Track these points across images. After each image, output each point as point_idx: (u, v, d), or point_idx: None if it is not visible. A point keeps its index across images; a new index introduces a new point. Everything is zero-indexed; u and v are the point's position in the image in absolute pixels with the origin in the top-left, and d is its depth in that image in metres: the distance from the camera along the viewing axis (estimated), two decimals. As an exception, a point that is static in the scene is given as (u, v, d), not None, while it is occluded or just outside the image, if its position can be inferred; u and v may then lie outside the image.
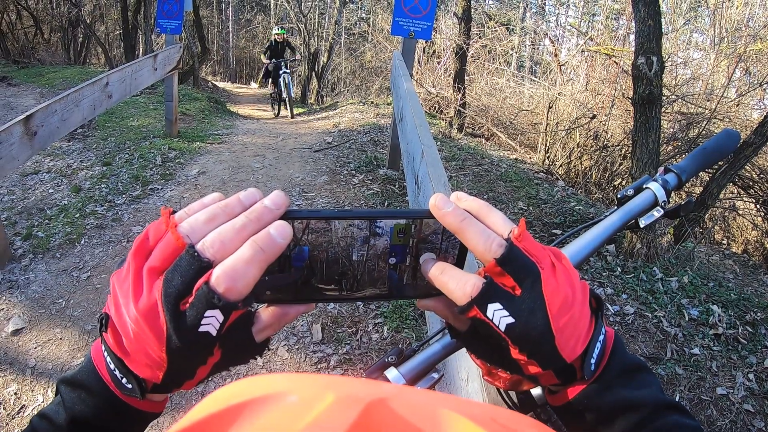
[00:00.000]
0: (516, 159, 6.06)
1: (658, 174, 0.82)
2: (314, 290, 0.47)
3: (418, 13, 4.41)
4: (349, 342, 2.90)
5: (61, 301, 3.25)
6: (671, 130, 5.56)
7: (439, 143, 5.87)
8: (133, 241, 0.42)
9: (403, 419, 0.31)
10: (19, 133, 3.30)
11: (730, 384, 2.71)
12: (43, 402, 2.47)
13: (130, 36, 11.22)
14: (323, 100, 14.12)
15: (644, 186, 0.81)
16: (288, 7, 16.54)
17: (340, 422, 0.29)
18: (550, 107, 6.35)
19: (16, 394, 2.54)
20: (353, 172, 4.87)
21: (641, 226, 0.79)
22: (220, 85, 16.56)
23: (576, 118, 6.28)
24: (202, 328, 0.39)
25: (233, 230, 0.40)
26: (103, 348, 0.45)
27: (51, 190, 4.76)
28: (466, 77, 7.85)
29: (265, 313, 0.46)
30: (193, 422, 0.32)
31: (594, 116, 5.91)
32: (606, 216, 0.80)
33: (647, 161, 3.47)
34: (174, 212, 0.43)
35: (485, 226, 0.45)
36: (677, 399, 2.59)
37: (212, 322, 0.39)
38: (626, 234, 3.67)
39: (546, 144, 6.26)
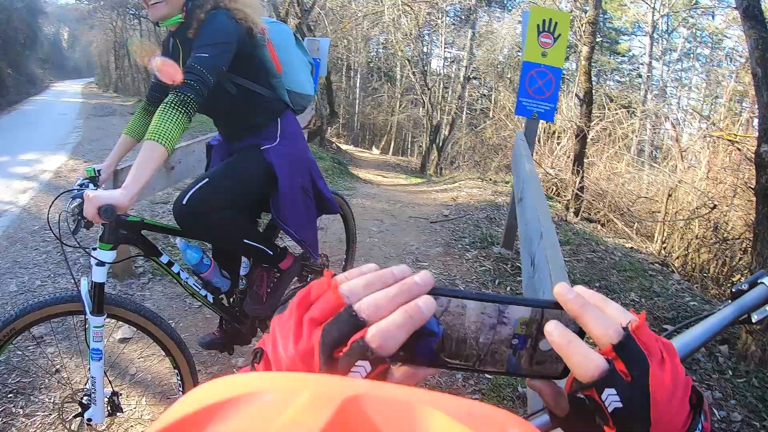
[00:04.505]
0: (631, 248, 5.81)
1: None
2: (442, 359, 0.51)
3: (542, 94, 4.42)
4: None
5: (171, 322, 3.43)
6: None
7: (554, 226, 5.78)
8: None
9: (380, 414, 0.32)
10: (163, 170, 3.63)
11: None
12: (135, 408, 2.60)
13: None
14: (442, 172, 14.35)
15: (759, 281, 0.79)
16: (413, 80, 17.19)
17: (315, 420, 0.30)
18: (669, 195, 6.08)
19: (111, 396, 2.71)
20: (467, 247, 4.88)
21: (753, 321, 0.77)
22: (344, 147, 17.29)
23: (696, 208, 5.97)
24: (351, 374, 0.44)
25: (387, 298, 0.46)
26: None
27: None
28: (585, 160, 7.74)
29: (398, 370, 0.51)
30: (168, 424, 0.33)
31: (715, 206, 5.60)
32: (718, 310, 0.79)
33: None
34: (335, 274, 0.50)
35: (605, 314, 0.49)
36: None
37: (360, 370, 0.44)
38: (741, 335, 3.39)
39: (663, 234, 5.97)
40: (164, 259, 2.12)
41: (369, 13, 14.39)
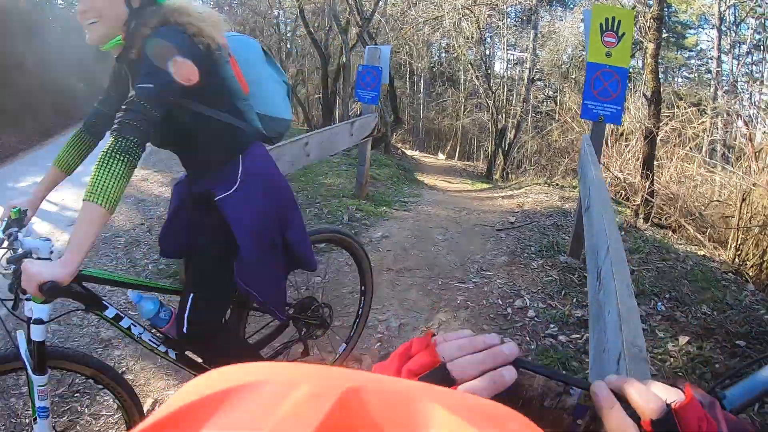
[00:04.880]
0: (704, 256, 5.54)
1: None
2: None
3: (608, 96, 4.27)
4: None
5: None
6: None
7: (623, 233, 5.59)
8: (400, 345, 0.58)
9: (379, 407, 0.32)
10: None
11: None
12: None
13: (329, 100, 12.24)
14: (508, 176, 14.18)
15: None
16: (477, 83, 17.05)
17: (315, 412, 0.30)
18: (743, 200, 5.77)
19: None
20: (533, 255, 4.80)
21: None
22: (409, 152, 17.34)
23: None
24: None
25: (476, 362, 0.54)
26: None
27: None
28: (655, 162, 7.45)
29: None
30: (168, 413, 0.33)
31: None
32: None
33: None
34: (434, 335, 0.59)
35: (650, 390, 0.53)
36: None
37: None
38: None
39: (737, 240, 5.65)
40: (110, 313, 1.86)
41: (429, 19, 14.35)
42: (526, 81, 15.58)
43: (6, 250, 1.68)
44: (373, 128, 6.19)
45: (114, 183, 1.50)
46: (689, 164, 8.49)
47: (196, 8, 1.82)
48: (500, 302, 3.92)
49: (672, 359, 3.32)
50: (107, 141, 1.58)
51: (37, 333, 1.62)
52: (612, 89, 4.24)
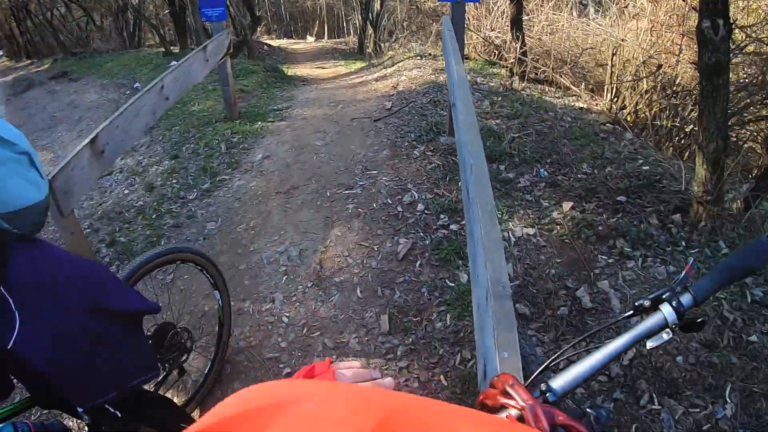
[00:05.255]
0: (581, 108, 5.80)
1: (676, 283, 0.83)
2: None
3: None
4: (414, 332, 2.99)
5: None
6: (744, 76, 5.13)
7: (500, 98, 5.74)
8: (307, 370, 0.68)
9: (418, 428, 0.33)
10: (87, 155, 3.46)
11: None
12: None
13: (179, 16, 11.35)
14: (380, 48, 13.93)
15: (659, 305, 0.81)
16: None
17: (357, 428, 0.32)
18: (614, 54, 5.99)
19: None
20: (414, 143, 4.87)
21: (647, 347, 0.80)
22: (276, 43, 16.58)
23: (642, 61, 5.90)
24: None
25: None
26: None
27: (126, 191, 5.05)
28: (525, 17, 7.52)
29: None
30: (208, 425, 0.35)
31: (660, 66, 5.55)
32: (608, 342, 0.82)
33: (714, 131, 3.23)
34: (332, 362, 0.69)
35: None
36: (728, 391, 2.54)
37: None
38: (692, 203, 3.49)
39: (612, 92, 5.94)
40: None
41: None
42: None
43: None
44: (229, 46, 5.85)
45: None
46: (559, 15, 8.55)
47: None
48: (389, 201, 4.02)
49: (558, 227, 3.55)
50: None
51: None
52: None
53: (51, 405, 1.86)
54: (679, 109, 5.48)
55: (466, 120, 2.43)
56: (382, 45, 14.20)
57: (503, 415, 0.71)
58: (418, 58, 8.24)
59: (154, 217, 4.47)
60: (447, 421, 0.36)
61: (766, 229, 3.42)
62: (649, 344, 0.80)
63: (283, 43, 17.79)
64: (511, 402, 0.70)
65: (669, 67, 5.65)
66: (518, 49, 6.88)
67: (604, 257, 3.32)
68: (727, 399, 2.50)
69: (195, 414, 2.69)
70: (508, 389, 0.71)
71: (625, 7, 7.34)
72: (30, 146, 1.55)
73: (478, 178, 1.88)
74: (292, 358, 2.93)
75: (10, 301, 1.46)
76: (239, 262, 3.67)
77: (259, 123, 6.14)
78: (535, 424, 0.63)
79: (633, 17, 7.01)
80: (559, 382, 0.80)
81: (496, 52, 8.01)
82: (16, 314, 1.46)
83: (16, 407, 1.74)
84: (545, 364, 0.88)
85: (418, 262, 3.41)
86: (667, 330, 0.80)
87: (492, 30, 8.37)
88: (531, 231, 3.56)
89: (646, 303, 0.82)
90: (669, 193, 3.78)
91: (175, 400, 2.74)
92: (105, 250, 4.12)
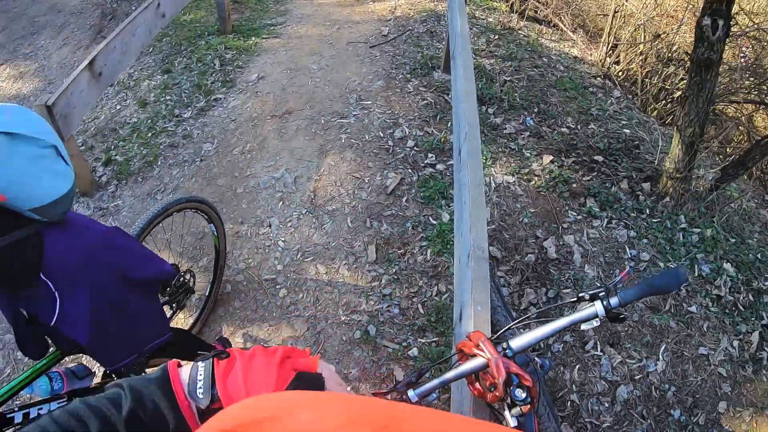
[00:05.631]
0: (575, 58, 5.91)
1: (611, 284, 1.14)
2: None
3: None
4: (398, 263, 3.32)
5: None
6: (740, 57, 5.24)
7: (496, 36, 5.85)
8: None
9: None
10: (86, 78, 3.59)
11: (713, 346, 3.04)
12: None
13: None
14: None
15: (594, 300, 1.13)
16: None
17: None
18: (615, 11, 6.03)
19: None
20: (408, 76, 5.03)
21: (581, 329, 1.14)
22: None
23: (643, 23, 5.94)
24: None
25: (336, 384, 0.82)
26: (203, 365, 0.76)
27: (119, 107, 5.17)
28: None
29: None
30: None
31: (659, 35, 5.65)
32: (555, 319, 1.15)
33: (694, 119, 3.48)
34: (311, 353, 0.80)
35: None
36: (662, 350, 2.95)
37: None
38: (663, 177, 3.78)
39: (608, 44, 6.04)
40: (18, 417, 1.85)
41: None
42: None
43: None
44: None
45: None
46: None
47: None
48: (381, 134, 4.25)
49: (536, 178, 3.84)
50: None
51: None
52: None
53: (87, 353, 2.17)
54: (671, 74, 5.64)
55: (466, 89, 2.63)
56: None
57: (475, 362, 1.04)
58: (417, -21, 8.18)
59: (149, 135, 4.64)
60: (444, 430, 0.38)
61: (724, 211, 3.76)
62: (583, 326, 1.14)
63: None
64: (481, 354, 1.06)
65: (670, 30, 5.75)
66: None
67: (573, 213, 3.65)
68: (660, 357, 2.93)
69: (200, 334, 3.03)
70: (480, 344, 1.07)
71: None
72: (55, 136, 1.69)
73: (471, 150, 2.14)
74: (287, 280, 3.25)
75: (50, 284, 1.73)
76: (237, 185, 3.91)
77: (253, 39, 6.18)
78: (496, 371, 0.98)
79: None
80: (516, 343, 1.13)
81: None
82: (56, 295, 1.75)
83: (49, 362, 2.07)
84: (506, 327, 1.20)
85: (405, 198, 3.69)
86: (597, 319, 1.15)
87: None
88: (511, 179, 3.84)
89: (586, 296, 1.16)
90: (643, 161, 4.08)
91: (181, 324, 3.07)
92: (101, 169, 4.31)
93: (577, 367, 2.89)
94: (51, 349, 2.07)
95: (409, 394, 1.17)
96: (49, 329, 1.95)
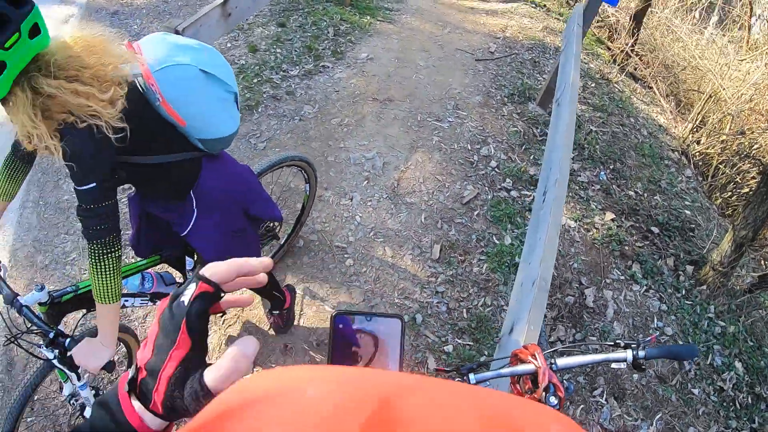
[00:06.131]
0: (660, 126, 6.12)
1: (642, 341, 1.49)
2: None
3: None
4: (456, 267, 3.67)
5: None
6: None
7: (593, 84, 6.12)
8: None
9: (416, 414, 0.36)
10: (217, 15, 3.86)
11: (702, 430, 3.32)
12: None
13: None
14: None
15: (626, 349, 1.51)
16: None
17: (354, 419, 0.34)
18: (710, 96, 6.19)
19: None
20: (505, 99, 5.34)
21: (611, 367, 1.52)
22: None
23: (734, 114, 6.05)
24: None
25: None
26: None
27: (229, 45, 5.54)
28: (648, 9, 7.65)
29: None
30: (211, 416, 0.39)
31: (743, 132, 5.83)
32: (594, 353, 1.51)
33: (751, 224, 3.77)
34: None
35: None
36: (657, 417, 3.28)
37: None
38: (706, 265, 4.06)
39: (694, 122, 6.19)
40: None
41: None
42: None
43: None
44: None
45: (111, 281, 1.74)
46: (681, 21, 8.46)
47: (96, 52, 1.64)
48: (469, 147, 4.59)
49: (595, 230, 4.14)
50: (89, 247, 1.72)
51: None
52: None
53: (173, 266, 2.66)
54: (745, 171, 5.82)
55: (565, 141, 2.94)
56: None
57: (526, 367, 1.42)
58: (533, 5, 8.42)
59: (254, 81, 5.02)
60: (448, 399, 0.39)
61: (751, 315, 4.05)
62: (613, 365, 1.53)
63: None
64: (534, 362, 1.41)
65: (756, 128, 5.90)
66: (631, 43, 7.10)
67: (618, 272, 3.97)
68: (654, 423, 3.28)
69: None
70: (536, 354, 1.42)
71: (749, 29, 7.42)
72: (236, 85, 2.04)
73: (558, 197, 2.48)
74: (355, 252, 3.62)
75: (194, 201, 2.13)
76: (329, 153, 4.29)
77: (369, 18, 6.54)
78: (542, 377, 1.34)
79: (751, 48, 7.12)
80: (562, 362, 1.51)
81: (608, 32, 8.19)
82: (195, 212, 2.15)
83: (148, 263, 2.43)
84: (556, 348, 1.56)
85: (477, 212, 4.03)
86: (625, 363, 1.50)
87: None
88: (572, 224, 4.15)
89: (622, 344, 1.54)
90: (693, 245, 4.37)
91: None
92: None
93: (582, 407, 3.21)
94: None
95: (469, 377, 1.52)
96: (169, 237, 2.39)
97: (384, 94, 5.07)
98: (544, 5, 8.67)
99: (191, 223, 2.18)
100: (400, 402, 0.37)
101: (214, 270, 0.64)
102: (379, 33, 6.27)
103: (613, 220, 4.28)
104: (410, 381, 0.42)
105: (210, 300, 0.62)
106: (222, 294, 0.64)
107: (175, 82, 1.81)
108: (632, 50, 7.28)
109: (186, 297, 0.61)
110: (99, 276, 1.72)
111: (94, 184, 1.63)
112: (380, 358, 0.81)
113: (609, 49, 7.71)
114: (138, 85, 1.81)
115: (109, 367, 1.84)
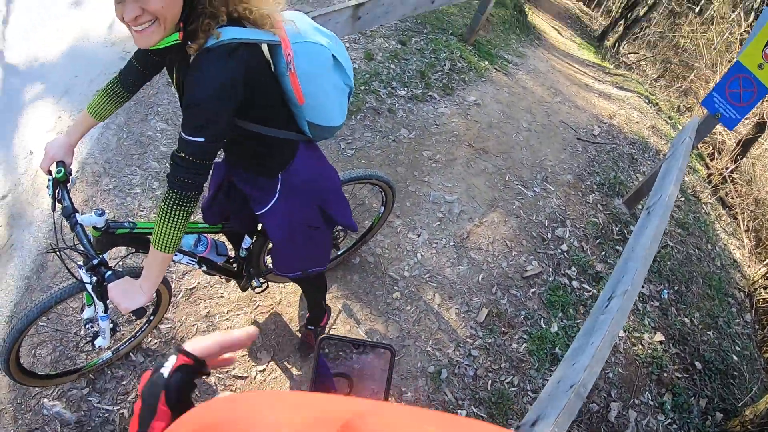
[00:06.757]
0: (734, 261, 5.96)
1: None
2: None
3: (737, 101, 4.32)
4: (496, 337, 3.63)
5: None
6: None
7: (682, 197, 6.02)
8: None
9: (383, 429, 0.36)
10: (348, 14, 3.96)
11: None
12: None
13: None
14: (620, 49, 13.76)
15: None
16: None
17: None
18: None
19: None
20: (594, 187, 5.29)
21: None
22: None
23: None
24: None
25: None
26: None
27: (348, 45, 5.61)
28: (754, 145, 7.50)
29: None
30: None
31: None
32: None
33: None
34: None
35: None
36: None
37: None
38: (737, 419, 3.91)
39: None
40: None
41: None
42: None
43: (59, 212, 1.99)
44: None
45: (174, 232, 1.73)
46: None
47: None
48: (546, 223, 4.56)
49: (640, 347, 4.05)
50: (166, 192, 1.70)
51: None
52: (744, 99, 4.30)
53: (230, 239, 2.78)
54: None
55: (645, 254, 2.89)
56: (623, 46, 13.92)
57: None
58: (645, 100, 8.35)
59: (362, 88, 5.09)
60: (410, 423, 0.38)
61: None
62: None
63: (540, -27, 17.50)
64: None
65: None
66: (731, 168, 6.98)
67: (649, 396, 3.86)
68: None
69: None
70: None
71: None
72: (353, 81, 2.08)
73: (623, 308, 2.44)
74: (405, 288, 3.64)
75: (279, 183, 2.15)
76: (411, 183, 4.33)
77: (487, 63, 6.59)
78: None
79: None
80: None
81: (711, 149, 8.06)
82: (276, 195, 2.17)
83: (208, 229, 2.50)
84: None
85: (534, 290, 4.00)
86: None
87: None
88: (621, 333, 4.07)
89: None
90: (730, 394, 4.21)
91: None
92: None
93: None
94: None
95: None
96: (240, 212, 2.44)
97: (480, 143, 5.09)
98: (657, 104, 8.60)
99: (270, 204, 2.20)
100: (361, 424, 0.37)
101: (196, 345, 0.65)
102: (492, 81, 6.31)
103: (661, 342, 4.18)
104: (371, 406, 0.43)
105: (190, 373, 0.63)
106: (205, 369, 0.65)
107: (309, 58, 1.84)
108: (730, 175, 7.15)
109: (166, 369, 0.63)
110: (165, 223, 1.71)
111: (203, 140, 1.60)
112: (364, 388, 0.79)
113: (707, 167, 7.58)
114: (262, 51, 1.80)
115: (139, 313, 1.84)
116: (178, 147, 1.63)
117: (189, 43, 1.57)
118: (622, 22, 14.14)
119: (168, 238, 1.72)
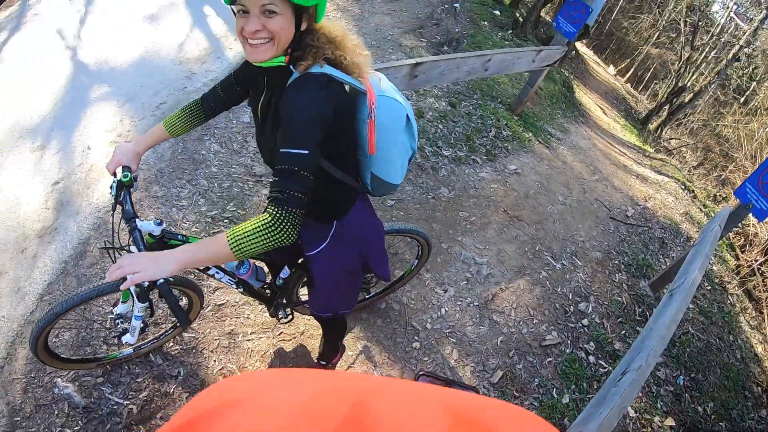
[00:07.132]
0: (755, 355, 5.90)
1: None
2: None
3: None
4: (506, 400, 3.72)
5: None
6: None
7: (708, 286, 6.08)
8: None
9: (391, 413, 0.37)
10: (406, 71, 4.18)
11: None
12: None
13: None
14: (662, 133, 13.94)
15: None
16: (680, 26, 15.65)
17: (329, 419, 0.35)
18: None
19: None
20: (622, 266, 5.41)
21: None
22: (583, 51, 16.67)
23: None
24: None
25: None
26: None
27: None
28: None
29: None
30: (186, 419, 0.40)
31: None
32: None
33: None
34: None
35: None
36: None
37: None
38: None
39: None
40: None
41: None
42: (730, 55, 14.00)
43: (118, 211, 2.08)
44: (556, 61, 6.39)
45: (258, 246, 1.63)
46: None
47: (353, 41, 1.85)
48: (570, 296, 4.69)
49: (649, 430, 4.10)
50: (270, 208, 1.64)
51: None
52: (777, 190, 4.35)
53: (269, 266, 2.86)
54: None
55: (663, 334, 2.98)
56: (666, 130, 14.09)
57: None
58: (682, 186, 8.48)
59: (409, 144, 5.33)
60: (417, 400, 0.40)
61: None
62: None
63: (588, 54, 17.91)
64: None
65: None
66: (760, 261, 7.02)
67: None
68: None
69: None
70: None
71: None
72: (416, 146, 2.19)
73: (635, 382, 2.54)
74: (426, 340, 3.80)
75: (332, 230, 2.22)
76: (445, 240, 4.53)
77: (530, 135, 6.83)
78: None
79: None
80: None
81: (742, 239, 8.10)
82: (327, 240, 2.25)
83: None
84: None
85: (550, 359, 4.11)
86: None
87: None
88: (632, 413, 4.14)
89: None
90: None
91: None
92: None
93: None
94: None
95: None
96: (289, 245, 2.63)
97: (515, 211, 5.28)
98: (693, 191, 8.71)
99: (319, 248, 2.27)
100: (372, 402, 0.38)
101: None
102: (534, 153, 6.53)
103: (671, 427, 4.23)
104: (379, 382, 0.44)
105: None
106: None
107: (389, 112, 1.94)
108: (759, 269, 7.18)
109: None
110: (258, 235, 1.62)
111: (307, 151, 1.61)
112: None
113: (737, 258, 7.62)
114: (349, 96, 1.88)
115: (165, 289, 1.67)
116: (282, 163, 1.63)
117: (297, 62, 1.71)
118: (667, 107, 14.36)
119: (249, 245, 1.63)
